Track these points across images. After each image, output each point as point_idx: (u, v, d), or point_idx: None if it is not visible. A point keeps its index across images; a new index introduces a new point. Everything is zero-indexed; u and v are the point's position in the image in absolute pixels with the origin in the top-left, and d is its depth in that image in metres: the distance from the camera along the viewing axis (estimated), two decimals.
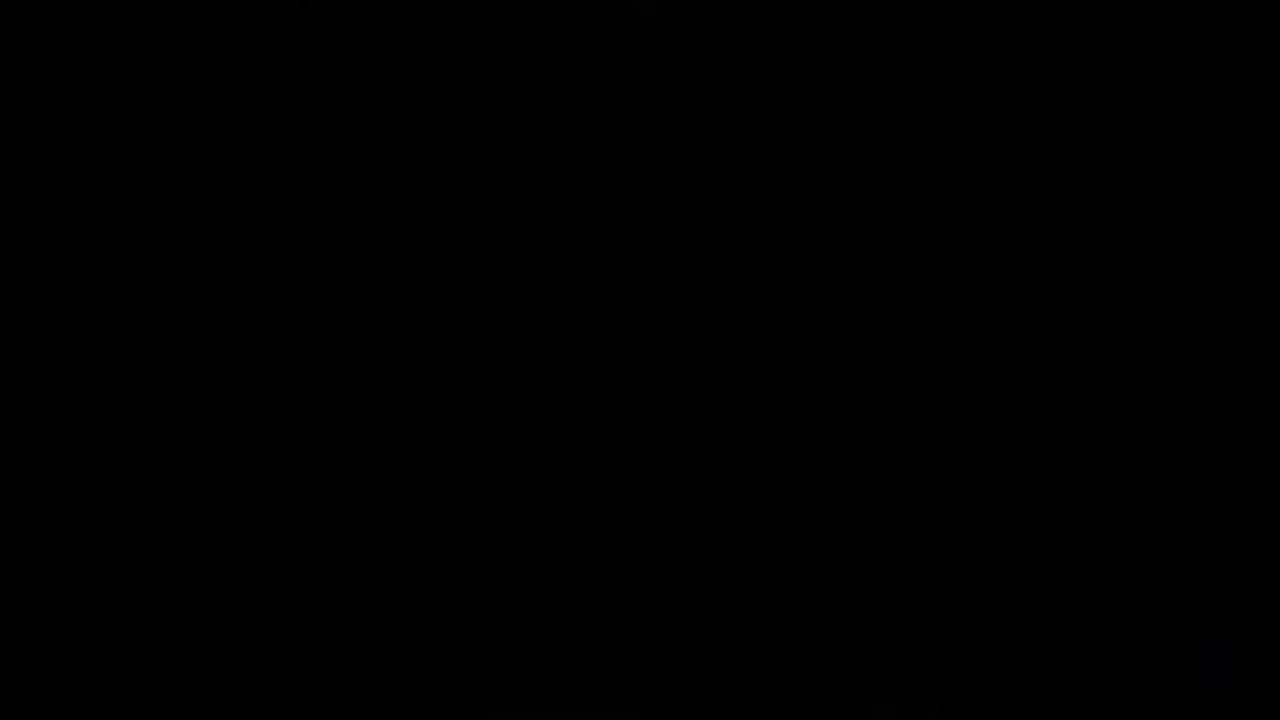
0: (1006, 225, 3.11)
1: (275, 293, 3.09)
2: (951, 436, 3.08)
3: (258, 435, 3.07)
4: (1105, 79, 3.10)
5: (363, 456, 3.08)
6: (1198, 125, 3.10)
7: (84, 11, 3.09)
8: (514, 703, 3.04)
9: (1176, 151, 3.10)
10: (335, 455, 3.07)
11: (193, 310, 3.09)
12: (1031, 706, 3.03)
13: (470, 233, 3.12)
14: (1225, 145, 3.09)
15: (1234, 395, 3.07)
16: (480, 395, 3.10)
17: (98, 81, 3.09)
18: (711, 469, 3.09)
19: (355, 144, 3.11)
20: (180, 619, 3.03)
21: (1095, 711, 3.02)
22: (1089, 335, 3.09)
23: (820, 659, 3.05)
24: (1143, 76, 3.10)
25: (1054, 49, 3.11)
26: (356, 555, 3.06)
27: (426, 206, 3.11)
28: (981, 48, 3.11)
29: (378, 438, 3.08)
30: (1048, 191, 3.11)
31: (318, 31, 3.11)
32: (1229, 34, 3.10)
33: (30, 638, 3.02)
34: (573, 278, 3.12)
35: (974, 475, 3.07)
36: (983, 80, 3.11)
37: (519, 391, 3.10)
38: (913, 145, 3.11)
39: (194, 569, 3.04)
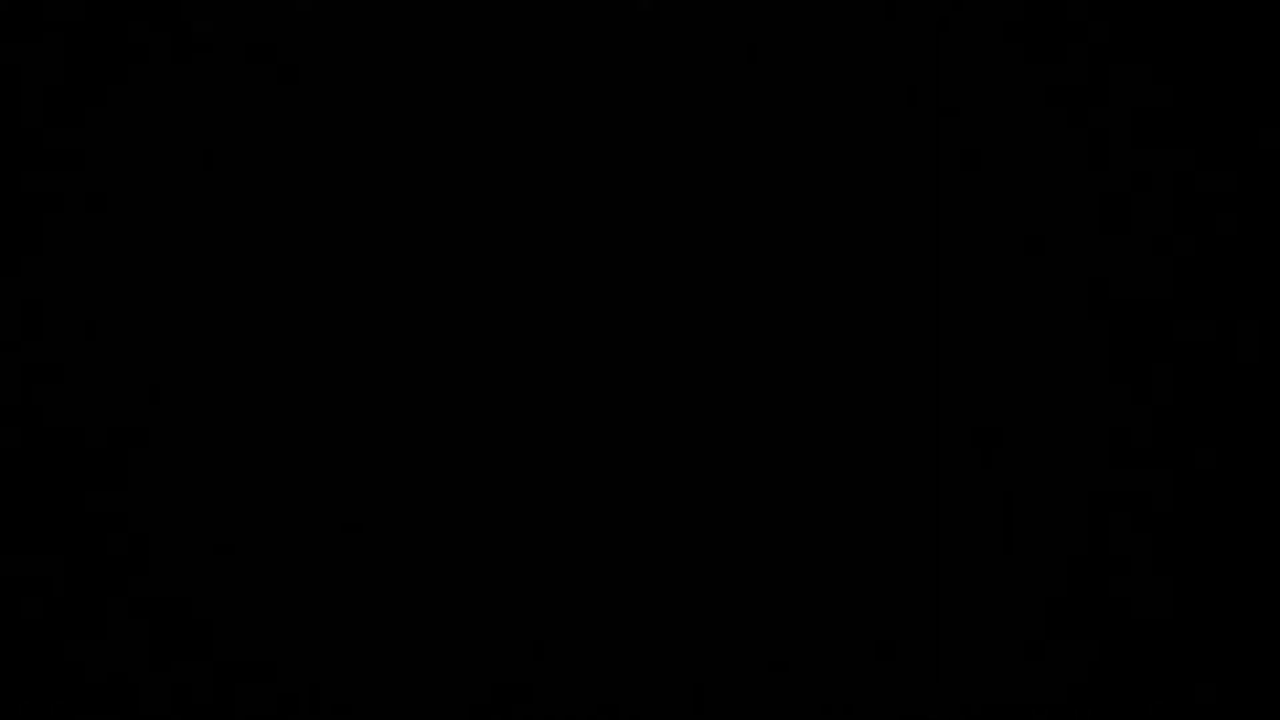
0: (1006, 225, 3.11)
1: (274, 292, 3.09)
2: (951, 436, 3.08)
3: (260, 435, 3.07)
4: (1106, 78, 3.10)
5: (361, 456, 3.08)
6: (1197, 125, 3.10)
7: (83, 11, 3.08)
8: (511, 704, 3.05)
9: (1176, 151, 3.10)
10: (336, 455, 3.07)
11: (190, 310, 3.08)
12: (1031, 706, 3.03)
13: (470, 233, 3.12)
14: (1225, 145, 3.09)
15: (1234, 395, 3.07)
16: (476, 395, 3.10)
17: (97, 81, 3.08)
18: (714, 470, 3.09)
19: (356, 143, 3.11)
20: (181, 620, 3.03)
21: (1095, 712, 3.02)
22: (1090, 336, 3.09)
23: (820, 660, 3.05)
24: (1143, 76, 3.10)
25: (1054, 49, 3.11)
26: (354, 556, 3.06)
27: (427, 207, 3.11)
28: (983, 47, 3.11)
29: (376, 439, 3.08)
30: (1047, 191, 3.10)
31: (317, 30, 3.11)
32: (1229, 34, 3.10)
33: (23, 638, 3.02)
34: (573, 278, 3.11)
35: (973, 475, 3.07)
36: (983, 80, 3.11)
37: (516, 391, 3.10)
38: (913, 145, 3.11)
39: (195, 569, 3.04)
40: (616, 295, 3.11)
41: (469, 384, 3.10)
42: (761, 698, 3.04)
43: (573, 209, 3.12)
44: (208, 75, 3.09)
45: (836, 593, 3.06)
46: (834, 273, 3.11)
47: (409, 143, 3.11)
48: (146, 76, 3.09)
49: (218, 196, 3.10)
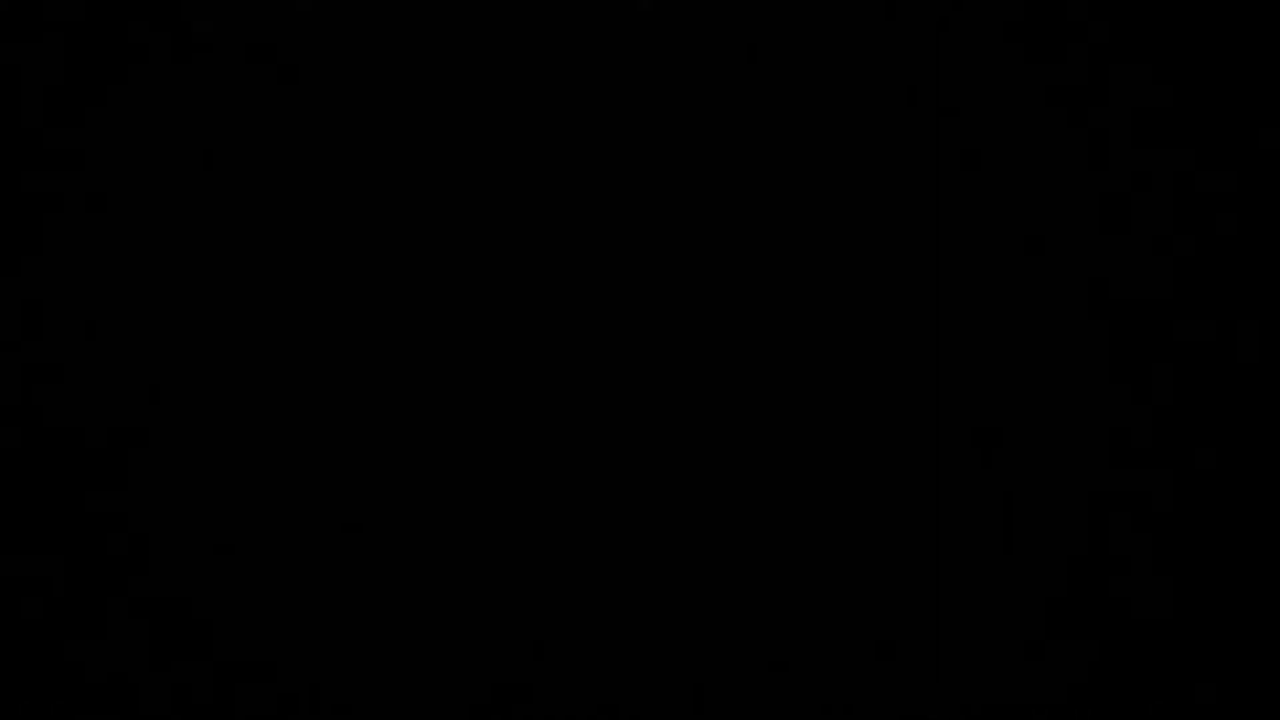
0: (1006, 225, 3.11)
1: (274, 293, 3.09)
2: (951, 436, 3.08)
3: (260, 435, 3.07)
4: (1106, 78, 3.10)
5: (361, 456, 3.08)
6: (1197, 125, 3.10)
7: (83, 11, 3.08)
8: (511, 704, 3.05)
9: (1176, 151, 3.10)
10: (336, 455, 3.07)
11: (190, 310, 3.08)
12: (1031, 706, 3.03)
13: (470, 233, 3.12)
14: (1225, 145, 3.09)
15: (1234, 395, 3.07)
16: (476, 396, 3.10)
17: (97, 81, 3.08)
18: (714, 470, 3.09)
19: (356, 143, 3.11)
20: (181, 620, 3.03)
21: (1095, 712, 3.02)
22: (1090, 336, 3.09)
23: (820, 660, 3.05)
24: (1143, 76, 3.10)
25: (1054, 49, 3.11)
26: (354, 556, 3.06)
27: (427, 207, 3.11)
28: (983, 47, 3.11)
29: (376, 439, 3.08)
30: (1047, 191, 3.10)
31: (317, 30, 3.11)
32: (1229, 34, 3.10)
33: (23, 638, 3.02)
34: (573, 278, 3.11)
35: (973, 475, 3.07)
36: (983, 80, 3.11)
37: (515, 392, 3.10)
38: (913, 145, 3.11)
39: (195, 569, 3.04)
40: (616, 295, 3.11)
41: (468, 384, 3.10)
42: (761, 698, 3.04)
43: (572, 209, 3.12)
44: (208, 75, 3.09)
45: (836, 593, 3.06)
46: (834, 273, 3.11)
47: (409, 143, 3.11)
48: (146, 76, 3.09)
49: (218, 196, 3.10)
